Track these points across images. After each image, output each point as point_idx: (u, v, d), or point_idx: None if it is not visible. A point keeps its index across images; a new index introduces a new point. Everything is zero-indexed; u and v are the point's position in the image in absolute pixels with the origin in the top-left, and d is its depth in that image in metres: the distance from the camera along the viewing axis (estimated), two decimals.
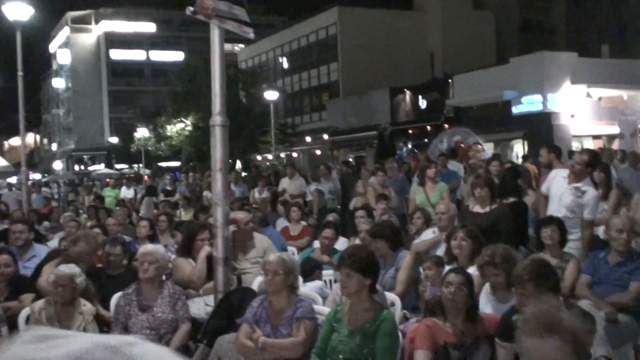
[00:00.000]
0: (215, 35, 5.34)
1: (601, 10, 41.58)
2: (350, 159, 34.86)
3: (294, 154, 43.69)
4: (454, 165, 12.67)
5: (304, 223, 9.45)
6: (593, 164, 6.86)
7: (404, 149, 26.58)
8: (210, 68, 5.43)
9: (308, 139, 42.58)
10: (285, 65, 49.80)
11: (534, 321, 2.40)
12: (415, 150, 23.27)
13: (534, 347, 2.40)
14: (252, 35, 5.62)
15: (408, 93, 36.02)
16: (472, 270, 5.43)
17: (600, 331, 4.88)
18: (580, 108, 26.19)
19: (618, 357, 4.72)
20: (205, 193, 13.64)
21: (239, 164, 34.86)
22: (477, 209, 6.76)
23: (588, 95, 26.08)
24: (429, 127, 30.79)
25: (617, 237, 5.46)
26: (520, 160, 26.52)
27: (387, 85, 36.80)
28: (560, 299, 4.04)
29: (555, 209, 6.62)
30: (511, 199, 7.11)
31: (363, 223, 7.45)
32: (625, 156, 13.56)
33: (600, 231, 7.05)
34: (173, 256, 6.51)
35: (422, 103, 34.77)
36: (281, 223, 9.88)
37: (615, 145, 25.67)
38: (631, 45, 36.30)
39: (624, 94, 26.70)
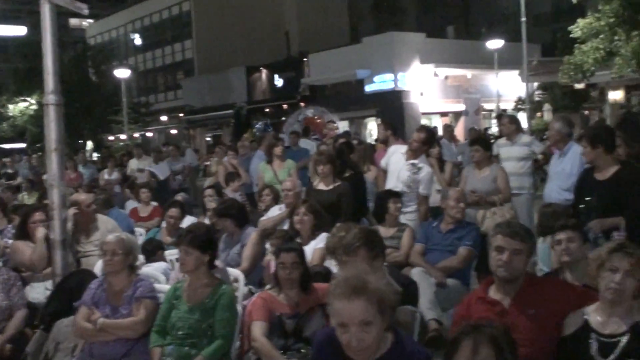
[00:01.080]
0: (45, 9, 5.13)
1: None
2: (208, 138, 34.52)
3: (149, 134, 42.58)
4: (307, 144, 12.88)
5: (154, 204, 9.31)
6: (429, 142, 7.25)
7: (259, 124, 26.70)
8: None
9: (164, 118, 41.64)
10: (138, 42, 48.23)
11: (343, 285, 2.60)
12: (269, 127, 23.45)
13: (343, 308, 2.59)
14: (86, 11, 5.45)
15: (264, 71, 36.11)
16: (314, 243, 5.63)
17: (431, 295, 5.24)
18: (428, 87, 27.46)
19: (446, 319, 5.06)
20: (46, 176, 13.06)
21: (90, 145, 33.50)
22: (321, 186, 6.95)
23: (435, 74, 27.38)
24: (285, 106, 31.11)
25: (453, 205, 5.87)
26: (373, 137, 27.55)
27: (243, 64, 36.67)
28: (385, 265, 4.30)
29: (394, 184, 6.96)
30: (347, 174, 7.37)
31: (211, 202, 7.46)
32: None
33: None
34: (10, 241, 6.23)
35: (279, 82, 34.99)
36: (130, 204, 9.68)
37: (461, 122, 27.22)
38: (474, 27, 38.38)
39: (468, 73, 28.30)
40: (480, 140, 7.53)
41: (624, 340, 3.05)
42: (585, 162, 5.67)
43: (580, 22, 14.87)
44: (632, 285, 3.11)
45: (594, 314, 3.21)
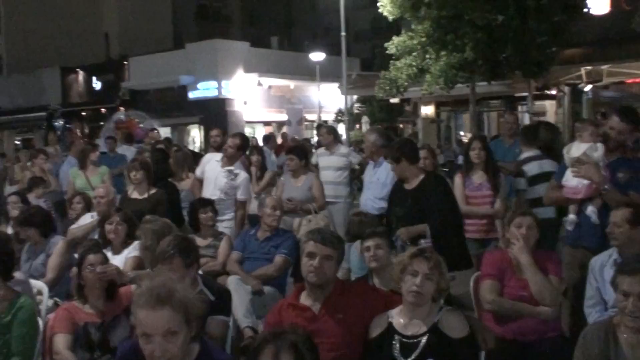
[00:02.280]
0: None
1: (273, 3, 44.28)
2: (18, 142, 32.24)
3: None
4: (126, 150, 12.41)
5: None
6: (244, 147, 7.27)
7: (58, 122, 25.36)
8: None
9: None
10: None
11: (147, 293, 2.49)
12: (69, 126, 22.21)
13: (146, 317, 2.50)
14: None
15: (81, 73, 34.39)
16: (127, 252, 5.42)
17: (246, 303, 5.22)
18: (252, 95, 27.61)
19: (262, 327, 5.06)
20: None
21: None
22: (135, 194, 6.73)
23: (259, 83, 27.59)
24: (103, 110, 29.85)
25: (270, 213, 5.89)
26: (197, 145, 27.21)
27: (58, 64, 34.68)
28: (199, 274, 4.22)
29: (211, 192, 6.88)
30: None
31: (15, 209, 6.94)
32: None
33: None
34: None
35: (97, 84, 33.50)
36: None
37: (284, 131, 27.63)
38: (298, 39, 39.28)
39: (292, 83, 28.84)
40: (295, 149, 7.68)
41: (424, 340, 3.21)
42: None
43: (395, 39, 15.68)
44: (431, 288, 3.28)
45: (397, 317, 3.35)
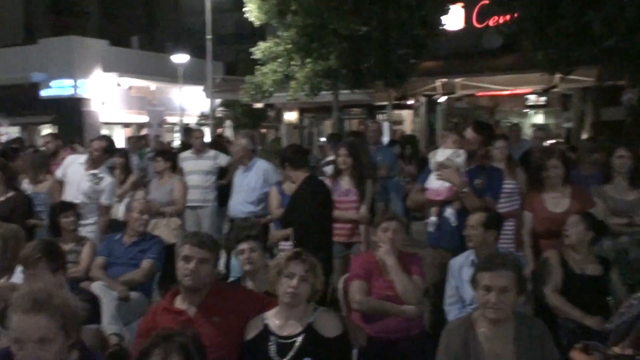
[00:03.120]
0: None
1: (133, 1, 42.99)
2: None
3: None
4: None
5: None
6: (110, 150, 7.07)
7: None
8: None
9: None
10: None
11: (25, 298, 2.39)
12: None
13: (20, 322, 2.41)
14: None
15: None
16: None
17: (112, 310, 5.07)
18: (111, 96, 26.67)
19: (129, 333, 4.94)
20: None
21: None
22: None
23: (118, 84, 26.72)
24: None
25: (137, 218, 5.75)
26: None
27: None
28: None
29: (73, 195, 6.62)
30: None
31: None
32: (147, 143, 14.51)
33: (120, 213, 7.32)
34: None
35: None
36: None
37: (145, 133, 26.91)
38: (159, 40, 38.38)
39: (153, 85, 28.15)
40: (163, 151, 7.57)
41: (300, 340, 3.29)
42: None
43: (262, 45, 15.75)
44: (306, 289, 3.37)
45: (272, 318, 3.41)
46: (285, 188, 6.12)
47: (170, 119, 28.08)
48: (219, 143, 8.12)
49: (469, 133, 5.16)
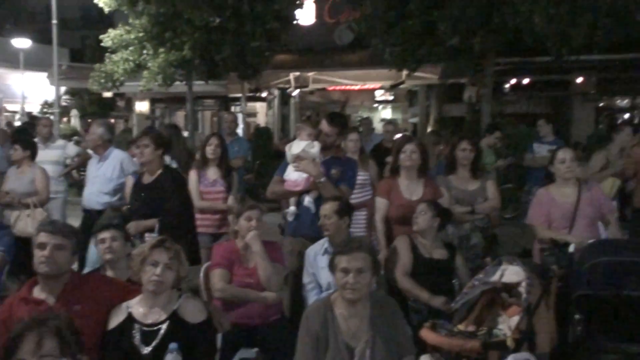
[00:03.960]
0: None
1: None
2: None
3: None
4: None
5: None
6: None
7: None
8: None
9: None
10: None
11: None
12: None
13: None
14: None
15: None
16: None
17: None
18: None
19: None
20: None
21: None
22: None
23: None
24: None
25: None
26: None
27: None
28: None
29: None
30: None
31: None
32: None
33: None
34: None
35: None
36: None
37: None
38: None
39: None
40: (20, 139, 7.15)
41: (164, 327, 3.30)
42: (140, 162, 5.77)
43: (112, 32, 15.21)
44: (171, 277, 3.38)
45: (136, 306, 3.38)
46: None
47: (10, 107, 26.39)
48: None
49: (324, 125, 5.33)
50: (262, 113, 22.73)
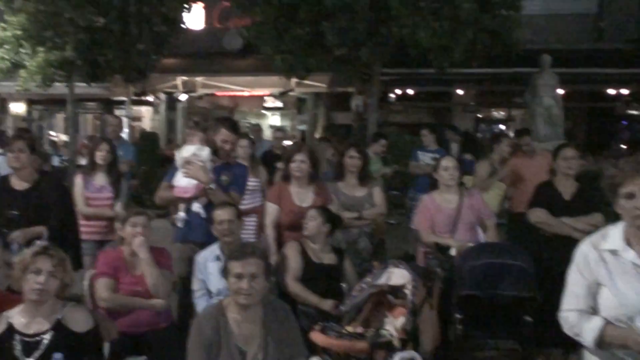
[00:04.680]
0: None
1: None
2: None
3: None
4: None
5: None
6: None
7: None
8: None
9: None
10: None
11: None
12: None
13: None
14: None
15: None
16: None
17: None
18: None
19: None
20: None
21: None
22: None
23: None
24: None
25: None
26: None
27: None
28: None
29: None
30: None
31: None
32: None
33: None
34: None
35: None
36: None
37: None
38: None
39: None
40: None
41: (48, 337, 3.18)
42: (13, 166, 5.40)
43: None
44: (54, 285, 3.26)
45: (17, 316, 3.25)
46: None
47: None
48: None
49: (224, 133, 5.32)
50: (147, 117, 22.21)
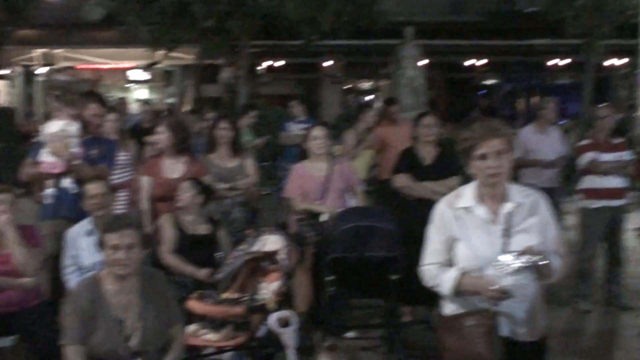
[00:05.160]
0: None
1: None
2: None
3: None
4: None
5: None
6: None
7: None
8: None
9: None
10: None
11: None
12: None
13: None
14: None
15: None
16: None
17: None
18: None
19: None
20: None
21: None
22: None
23: None
24: None
25: None
26: None
27: None
28: None
29: None
30: None
31: None
32: None
33: None
34: None
35: None
36: None
37: None
38: None
39: None
40: None
41: None
42: None
43: None
44: None
45: None
46: None
47: None
48: None
49: (94, 107, 5.25)
50: (3, 92, 20.98)
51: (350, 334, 5.35)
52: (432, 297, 3.21)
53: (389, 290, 4.90)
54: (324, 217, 5.27)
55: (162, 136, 5.51)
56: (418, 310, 5.54)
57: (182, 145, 5.57)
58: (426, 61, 13.53)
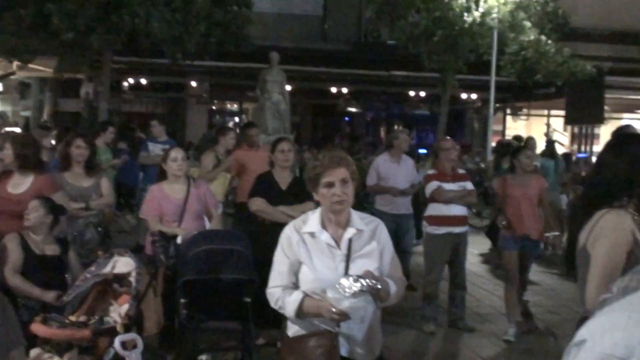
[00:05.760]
0: None
1: None
2: None
3: None
4: None
5: None
6: None
7: None
8: None
9: None
10: None
11: None
12: None
13: None
14: None
15: None
16: None
17: None
18: None
19: None
20: None
21: None
22: None
23: None
24: None
25: None
26: None
27: None
28: None
29: None
30: None
31: None
32: None
33: None
34: None
35: None
36: None
37: None
38: None
39: None
40: None
41: None
42: None
43: None
44: None
45: None
46: None
47: None
48: None
49: None
50: None
51: (203, 357, 5.35)
52: (284, 320, 3.30)
53: (243, 312, 4.97)
54: (179, 240, 5.27)
55: (6, 152, 5.31)
56: (272, 333, 5.62)
57: (28, 161, 5.36)
58: (291, 87, 13.82)
